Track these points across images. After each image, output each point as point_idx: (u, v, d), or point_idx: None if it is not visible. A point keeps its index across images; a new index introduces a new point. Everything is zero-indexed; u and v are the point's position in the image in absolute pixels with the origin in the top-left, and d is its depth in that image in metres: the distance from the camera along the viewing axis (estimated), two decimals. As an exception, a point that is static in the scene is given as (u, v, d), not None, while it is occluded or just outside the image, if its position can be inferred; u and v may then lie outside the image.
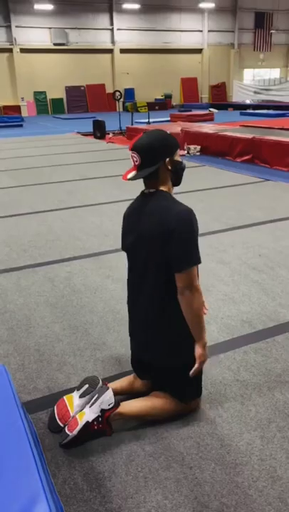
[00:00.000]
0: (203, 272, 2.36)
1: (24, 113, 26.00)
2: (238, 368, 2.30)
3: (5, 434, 1.64)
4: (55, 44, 26.48)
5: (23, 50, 25.84)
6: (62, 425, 1.87)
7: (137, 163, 1.74)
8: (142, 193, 1.84)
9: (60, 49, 26.73)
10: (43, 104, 27.52)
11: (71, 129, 16.07)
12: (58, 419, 1.90)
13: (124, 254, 1.95)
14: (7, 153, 10.58)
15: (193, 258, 1.72)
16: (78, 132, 15.05)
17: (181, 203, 1.77)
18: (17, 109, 25.61)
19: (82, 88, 27.95)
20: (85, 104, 27.98)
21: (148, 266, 1.78)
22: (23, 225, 4.95)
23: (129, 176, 1.75)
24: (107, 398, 1.82)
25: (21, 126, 18.47)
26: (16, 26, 25.29)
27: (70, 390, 2.03)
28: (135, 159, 1.73)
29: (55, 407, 1.95)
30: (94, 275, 3.51)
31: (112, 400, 1.83)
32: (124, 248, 1.95)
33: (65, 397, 1.95)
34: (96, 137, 13.51)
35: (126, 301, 2.00)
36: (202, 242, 1.87)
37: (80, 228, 4.74)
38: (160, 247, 1.71)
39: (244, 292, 3.14)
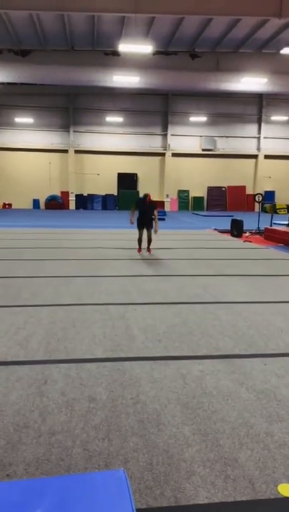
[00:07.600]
0: None
1: (167, 208, 28.26)
2: None
3: None
4: (203, 150, 29.07)
5: (174, 154, 28.88)
6: None
7: None
8: None
9: (207, 154, 29.19)
10: (185, 201, 29.69)
11: (209, 226, 16.79)
12: None
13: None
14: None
15: None
16: (216, 229, 15.64)
17: None
18: (161, 204, 28.00)
19: (224, 189, 29.58)
20: (224, 203, 29.35)
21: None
22: (159, 314, 5.15)
23: None
24: None
25: (164, 219, 19.97)
26: (172, 135, 28.67)
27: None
28: None
29: None
30: (226, 379, 3.40)
31: None
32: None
33: None
34: (233, 235, 13.84)
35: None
36: None
37: (214, 326, 4.72)
38: None
39: None
